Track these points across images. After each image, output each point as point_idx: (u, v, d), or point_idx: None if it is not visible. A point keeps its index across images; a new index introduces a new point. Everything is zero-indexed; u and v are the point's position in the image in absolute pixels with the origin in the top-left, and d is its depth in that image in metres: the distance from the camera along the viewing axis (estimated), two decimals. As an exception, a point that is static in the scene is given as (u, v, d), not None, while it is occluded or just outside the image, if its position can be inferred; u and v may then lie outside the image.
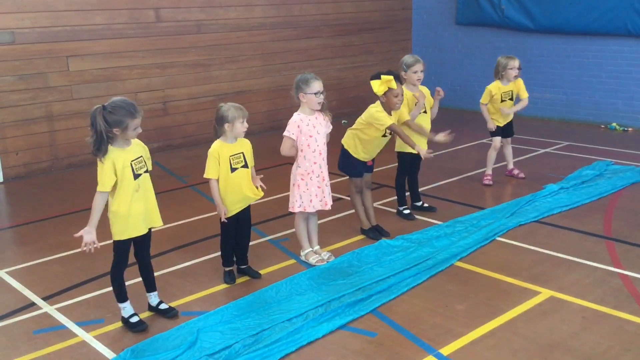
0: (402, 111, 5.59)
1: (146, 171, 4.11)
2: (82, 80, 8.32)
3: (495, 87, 6.89)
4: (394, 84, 5.22)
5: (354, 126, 5.52)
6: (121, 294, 4.24)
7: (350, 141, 5.53)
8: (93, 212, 3.97)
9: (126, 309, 4.25)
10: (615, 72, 9.90)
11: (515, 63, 6.83)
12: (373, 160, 5.67)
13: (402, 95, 5.39)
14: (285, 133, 4.88)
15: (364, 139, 5.43)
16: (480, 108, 7.04)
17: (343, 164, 5.64)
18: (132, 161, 4.00)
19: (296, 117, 4.89)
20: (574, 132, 9.62)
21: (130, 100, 4.01)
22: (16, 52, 7.78)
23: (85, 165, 8.35)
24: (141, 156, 4.09)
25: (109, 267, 5.13)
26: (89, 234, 3.97)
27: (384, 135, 5.40)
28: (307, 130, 4.86)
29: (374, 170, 5.84)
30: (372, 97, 5.43)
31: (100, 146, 3.88)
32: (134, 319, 4.22)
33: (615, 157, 7.96)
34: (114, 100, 3.95)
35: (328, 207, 5.06)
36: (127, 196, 4.01)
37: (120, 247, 4.16)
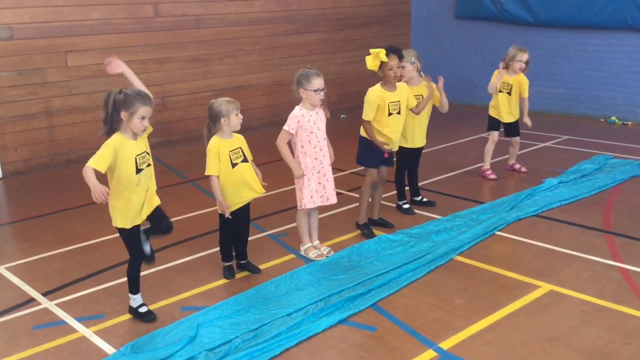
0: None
1: (148, 165, 4.12)
2: (81, 76, 8.30)
3: (498, 73, 6.88)
4: (384, 57, 5.16)
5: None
6: (135, 286, 4.28)
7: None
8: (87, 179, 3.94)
9: (136, 299, 4.29)
10: (615, 66, 9.88)
11: (524, 56, 6.81)
12: (391, 155, 5.62)
13: (399, 68, 5.28)
14: (284, 127, 4.86)
15: (375, 121, 5.37)
16: (489, 87, 6.94)
17: (360, 156, 5.56)
18: (137, 155, 4.02)
19: (297, 111, 4.87)
20: (573, 126, 9.62)
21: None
22: (14, 47, 7.75)
23: (84, 161, 8.26)
24: (145, 151, 4.10)
25: (108, 262, 5.16)
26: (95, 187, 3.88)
27: (390, 114, 5.33)
28: (308, 126, 4.85)
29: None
30: None
31: (109, 127, 3.99)
32: (143, 309, 4.27)
33: (615, 151, 7.96)
34: (131, 88, 4.09)
35: (330, 202, 5.05)
36: (127, 189, 4.02)
37: (126, 236, 4.16)
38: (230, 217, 4.66)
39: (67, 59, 8.18)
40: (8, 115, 7.82)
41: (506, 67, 6.87)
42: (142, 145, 4.08)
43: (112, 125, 3.99)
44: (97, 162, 3.93)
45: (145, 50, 8.84)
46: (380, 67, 5.24)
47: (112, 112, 3.95)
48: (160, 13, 8.93)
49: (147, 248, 4.31)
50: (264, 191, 4.80)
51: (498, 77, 6.88)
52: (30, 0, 7.79)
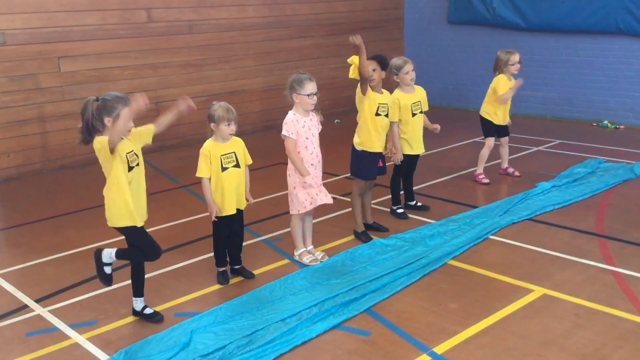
0: (394, 113, 5.64)
1: (137, 164, 4.12)
2: (74, 81, 8.29)
3: (504, 79, 6.86)
4: (356, 60, 5.16)
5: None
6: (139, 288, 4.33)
7: (358, 136, 5.47)
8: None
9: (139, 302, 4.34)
10: (606, 70, 9.94)
11: (516, 57, 6.85)
12: (384, 162, 5.63)
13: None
14: (285, 133, 4.81)
15: (365, 125, 5.37)
16: (503, 100, 6.85)
17: (355, 167, 5.55)
18: (127, 153, 4.02)
19: (292, 116, 4.85)
20: (566, 130, 9.65)
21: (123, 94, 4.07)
22: (7, 53, 7.74)
23: (77, 167, 8.32)
24: (132, 150, 4.09)
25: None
26: None
27: (377, 115, 5.33)
28: (303, 131, 4.84)
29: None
30: None
31: (86, 136, 3.98)
32: (148, 311, 4.31)
33: (607, 155, 7.99)
34: (108, 92, 4.07)
35: (319, 203, 4.96)
36: (121, 187, 4.02)
37: (127, 234, 4.18)
38: (216, 219, 4.64)
39: (60, 65, 8.16)
40: (1, 121, 7.80)
41: (501, 72, 6.89)
42: (128, 144, 4.07)
43: (89, 134, 3.98)
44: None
45: (138, 56, 8.83)
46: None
47: (92, 120, 3.93)
48: (154, 18, 8.93)
49: (108, 270, 4.27)
50: (247, 203, 4.80)
51: (508, 89, 6.83)
52: (22, 6, 7.79)
